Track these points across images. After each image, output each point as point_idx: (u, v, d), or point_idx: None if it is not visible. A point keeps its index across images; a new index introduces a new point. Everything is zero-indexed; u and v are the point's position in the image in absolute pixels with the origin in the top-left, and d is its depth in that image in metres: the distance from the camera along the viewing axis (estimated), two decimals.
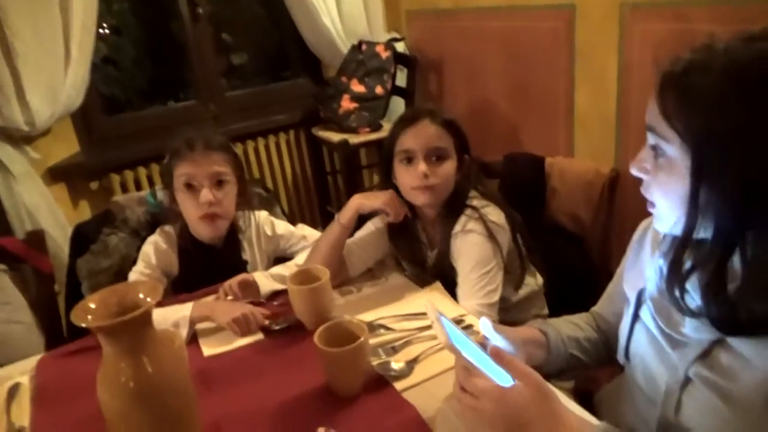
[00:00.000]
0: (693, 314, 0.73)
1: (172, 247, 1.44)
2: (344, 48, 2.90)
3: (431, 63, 2.88)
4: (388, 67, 2.79)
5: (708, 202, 0.68)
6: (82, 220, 1.68)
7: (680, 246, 0.73)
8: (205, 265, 1.42)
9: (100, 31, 2.66)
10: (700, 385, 0.73)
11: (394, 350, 1.07)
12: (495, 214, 1.29)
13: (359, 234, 1.38)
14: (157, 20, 2.88)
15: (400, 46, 2.90)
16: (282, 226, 1.56)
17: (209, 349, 1.16)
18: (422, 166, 1.26)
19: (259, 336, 1.19)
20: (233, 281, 1.30)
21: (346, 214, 1.34)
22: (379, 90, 2.79)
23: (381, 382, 0.99)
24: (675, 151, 0.70)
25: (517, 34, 2.33)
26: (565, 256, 1.56)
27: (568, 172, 1.60)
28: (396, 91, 2.83)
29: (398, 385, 0.98)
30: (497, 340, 0.92)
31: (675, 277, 0.74)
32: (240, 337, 1.19)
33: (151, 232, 1.47)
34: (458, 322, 1.15)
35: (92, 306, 0.77)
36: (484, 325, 0.92)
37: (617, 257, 1.03)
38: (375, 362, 1.02)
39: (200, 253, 1.44)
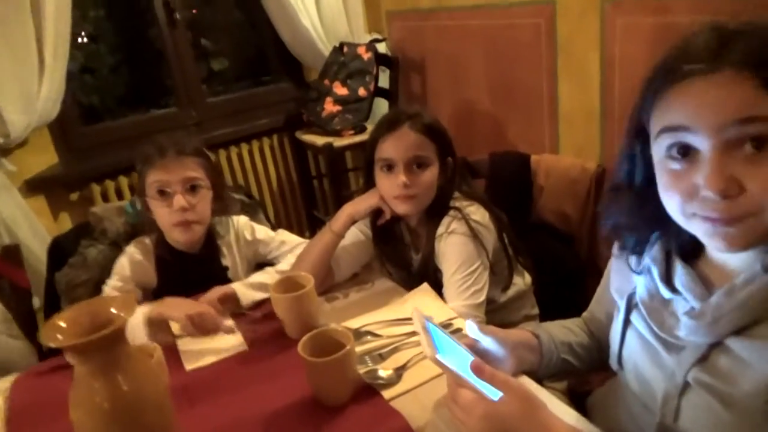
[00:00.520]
0: None
1: (148, 257, 1.41)
2: (325, 50, 2.88)
3: (414, 63, 2.86)
4: (370, 68, 2.76)
5: None
6: (63, 232, 1.63)
7: None
8: (184, 273, 1.38)
9: (79, 40, 2.62)
10: (699, 391, 0.71)
11: (382, 357, 1.04)
12: (479, 214, 1.27)
13: (345, 240, 1.36)
14: (134, 27, 2.83)
15: (381, 47, 2.87)
16: (262, 231, 1.52)
17: (191, 362, 1.12)
18: (402, 177, 1.23)
19: (243, 347, 1.16)
20: (212, 295, 1.26)
21: (338, 223, 1.31)
22: (362, 92, 2.76)
23: (369, 390, 0.97)
24: None
25: (498, 32, 2.32)
26: (554, 254, 1.54)
27: (554, 169, 1.58)
28: (379, 92, 2.81)
29: (386, 394, 0.95)
30: (485, 342, 0.91)
31: None
32: (195, 336, 1.17)
33: None
34: (447, 326, 1.13)
35: (62, 324, 0.74)
36: (470, 328, 0.90)
37: (606, 254, 1.02)
38: (362, 371, 1.00)
39: (178, 262, 1.40)
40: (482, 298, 1.23)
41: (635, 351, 0.83)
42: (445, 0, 2.55)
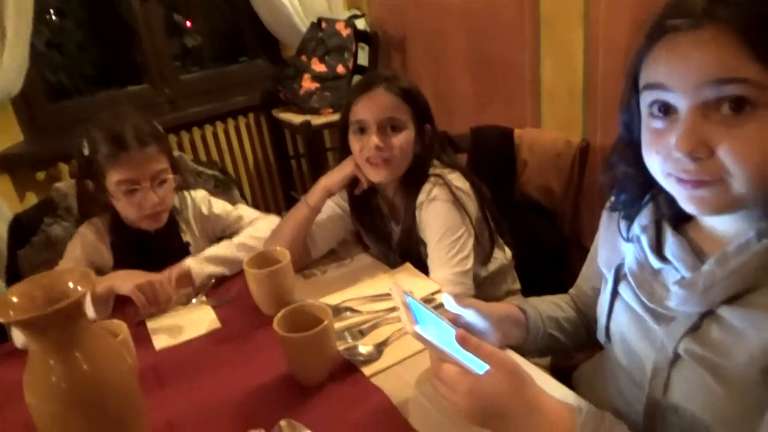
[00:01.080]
0: None
1: (102, 238, 1.33)
2: (303, 26, 2.80)
3: (393, 40, 2.80)
4: (349, 45, 2.70)
5: None
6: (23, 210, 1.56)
7: None
8: (142, 253, 1.32)
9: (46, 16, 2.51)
10: (690, 362, 0.68)
11: (362, 333, 1.01)
12: (460, 181, 1.23)
13: (320, 214, 1.31)
14: (103, 1, 2.72)
15: (360, 23, 2.80)
16: (219, 206, 1.46)
17: (161, 341, 1.07)
18: (374, 139, 1.19)
19: (216, 325, 1.11)
20: (170, 275, 1.20)
21: (313, 196, 1.27)
22: (340, 69, 2.70)
23: (348, 367, 0.93)
24: None
25: (480, 7, 2.27)
26: (536, 229, 1.52)
27: (537, 143, 1.55)
28: (358, 70, 2.74)
29: (367, 370, 0.92)
30: (468, 315, 0.88)
31: None
32: (147, 308, 1.13)
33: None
34: (429, 301, 1.09)
35: (14, 299, 0.68)
36: (447, 301, 0.86)
37: (588, 229, 0.99)
38: (341, 347, 0.96)
39: (135, 241, 1.34)
40: (469, 265, 1.19)
41: (623, 323, 0.81)
42: None
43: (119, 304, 1.19)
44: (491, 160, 1.59)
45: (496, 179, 1.50)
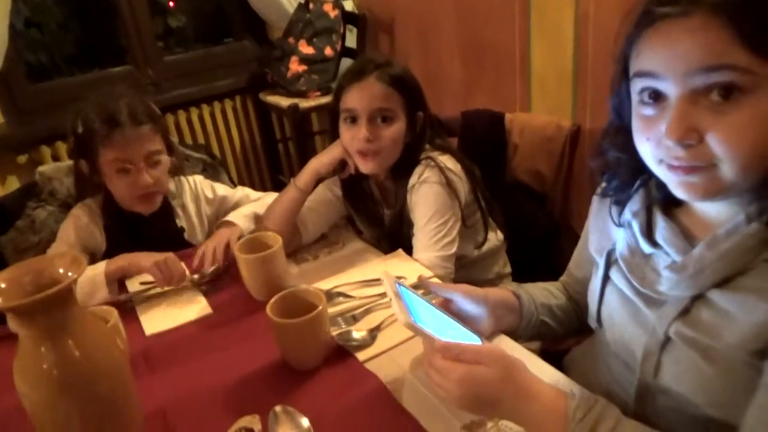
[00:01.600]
0: None
1: (96, 221, 1.32)
2: (290, 7, 2.75)
3: (382, 21, 2.77)
4: (337, 26, 2.67)
5: None
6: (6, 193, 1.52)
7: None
8: (136, 236, 1.30)
9: None
10: (681, 345, 0.69)
11: (355, 319, 1.00)
12: (451, 162, 1.23)
13: (311, 198, 1.30)
14: None
15: (348, 5, 2.77)
16: (222, 188, 1.47)
17: (151, 327, 1.06)
18: (364, 131, 1.17)
19: (207, 311, 1.10)
20: (219, 243, 1.20)
21: (303, 178, 1.26)
22: (328, 51, 2.67)
23: (342, 353, 0.93)
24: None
25: None
26: (527, 213, 1.52)
27: (528, 127, 1.54)
28: (346, 52, 2.71)
29: (360, 356, 0.92)
30: (457, 299, 0.90)
31: None
32: (163, 285, 1.13)
33: None
34: (419, 287, 1.09)
35: (2, 285, 0.66)
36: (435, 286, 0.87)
37: (578, 213, 0.99)
38: (334, 332, 0.95)
39: (129, 225, 1.32)
40: (453, 250, 1.19)
41: (615, 308, 0.82)
42: None
43: None
44: (482, 143, 1.58)
45: (486, 163, 1.49)
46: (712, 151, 0.61)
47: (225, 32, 3.06)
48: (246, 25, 2.96)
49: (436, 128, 1.30)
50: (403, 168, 1.24)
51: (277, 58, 2.71)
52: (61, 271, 0.68)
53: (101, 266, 1.13)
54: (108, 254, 1.29)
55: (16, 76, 2.33)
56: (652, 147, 0.67)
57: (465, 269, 1.25)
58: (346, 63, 2.73)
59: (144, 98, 1.32)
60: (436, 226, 1.18)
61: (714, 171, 0.63)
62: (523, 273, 1.37)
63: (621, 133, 0.76)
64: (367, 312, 1.02)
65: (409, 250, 1.23)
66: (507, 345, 0.91)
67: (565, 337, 1.06)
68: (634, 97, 0.69)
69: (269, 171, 3.07)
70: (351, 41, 2.74)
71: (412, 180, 1.22)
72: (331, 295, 1.06)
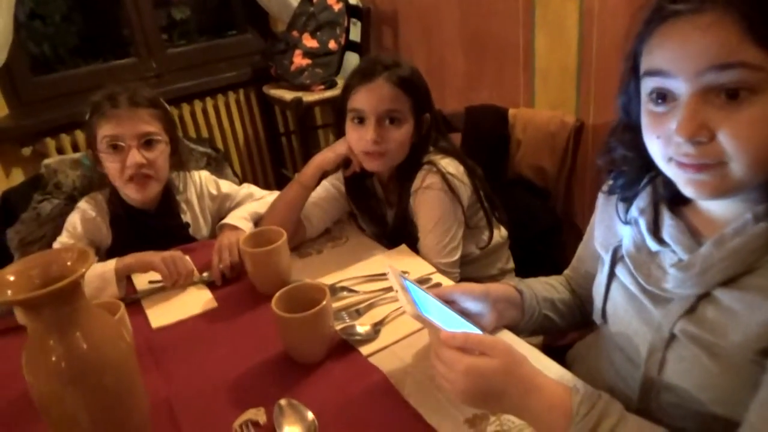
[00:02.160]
0: None
1: (102, 214, 1.33)
2: (294, 0, 2.74)
3: (385, 15, 2.76)
4: (341, 20, 2.66)
5: None
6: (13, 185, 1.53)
7: None
8: (141, 231, 1.31)
9: None
10: (686, 343, 0.70)
11: (359, 313, 1.01)
12: (453, 166, 1.22)
13: (316, 193, 1.31)
14: None
15: None
16: (226, 185, 1.47)
17: (157, 320, 1.07)
18: (371, 132, 1.17)
19: (212, 305, 1.11)
20: (230, 245, 1.19)
21: (306, 173, 1.26)
22: (332, 45, 2.66)
23: (345, 347, 0.94)
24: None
25: None
26: (529, 208, 1.52)
27: (531, 123, 1.54)
28: (350, 46, 2.71)
29: (364, 350, 0.92)
30: (460, 299, 0.91)
31: None
32: (170, 282, 1.14)
33: None
34: (424, 281, 1.10)
35: (10, 278, 0.67)
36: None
37: (581, 209, 0.99)
38: (338, 327, 0.96)
39: (134, 219, 1.33)
40: (457, 255, 1.21)
41: (620, 304, 0.82)
42: None
43: None
44: (485, 139, 1.58)
45: (489, 159, 1.50)
46: (723, 149, 0.62)
47: (229, 25, 3.05)
48: (250, 18, 2.95)
49: (441, 128, 1.30)
50: (407, 168, 1.24)
51: (280, 52, 2.71)
52: (69, 264, 0.69)
53: (111, 263, 1.14)
54: (113, 248, 1.31)
55: (19, 68, 2.34)
56: (662, 144, 0.68)
57: (468, 266, 1.26)
58: (349, 56, 2.73)
59: (153, 91, 1.33)
60: (441, 233, 1.19)
61: (724, 169, 0.63)
62: (525, 268, 1.37)
63: (629, 130, 0.76)
64: (371, 306, 1.03)
65: (412, 248, 1.24)
66: (510, 340, 0.92)
67: (568, 331, 1.06)
68: (644, 95, 0.69)
69: (272, 164, 3.07)
70: (355, 35, 2.73)
71: (415, 184, 1.22)
72: (335, 290, 1.07)
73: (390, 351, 0.92)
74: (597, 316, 0.87)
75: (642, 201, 0.79)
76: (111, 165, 1.25)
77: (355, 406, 0.82)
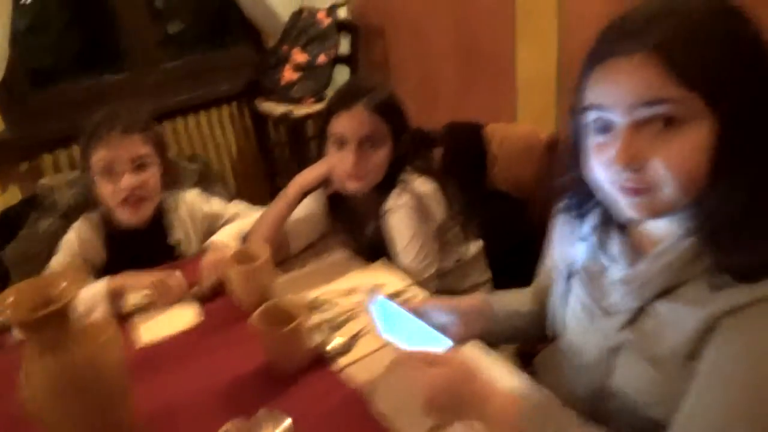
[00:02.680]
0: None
1: (97, 233, 1.38)
2: (284, 15, 2.80)
3: (375, 29, 2.81)
4: (331, 34, 2.71)
5: (748, 150, 0.66)
6: (11, 204, 1.58)
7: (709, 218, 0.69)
8: (133, 250, 1.36)
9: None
10: (629, 351, 0.76)
11: (337, 327, 1.07)
12: (425, 185, 1.28)
13: (299, 211, 1.36)
14: None
15: (342, 12, 2.82)
16: (216, 204, 1.51)
17: (147, 335, 1.13)
18: (352, 157, 1.22)
19: (200, 319, 1.16)
20: (216, 261, 1.24)
21: (288, 192, 1.32)
22: (322, 59, 2.71)
23: (323, 359, 0.99)
24: (693, 108, 0.66)
25: None
26: (506, 220, 1.57)
27: (507, 138, 1.60)
28: (340, 59, 2.77)
29: (341, 361, 0.98)
30: (431, 313, 0.96)
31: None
32: (162, 303, 1.18)
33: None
34: (399, 294, 1.16)
35: (9, 299, 0.73)
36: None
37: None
38: (317, 339, 1.02)
39: (126, 239, 1.38)
40: (433, 269, 1.26)
41: (575, 315, 0.89)
42: None
43: None
44: (463, 154, 1.64)
45: (468, 173, 1.55)
46: (656, 174, 0.68)
47: (222, 39, 3.10)
48: (242, 32, 3.00)
49: (418, 146, 1.35)
50: (383, 187, 1.29)
51: (271, 66, 2.76)
52: (63, 285, 0.75)
53: (103, 283, 1.18)
54: (108, 266, 1.36)
55: (17, 81, 2.36)
56: (603, 171, 0.74)
57: (444, 279, 1.31)
58: (339, 70, 2.78)
59: (144, 110, 1.39)
60: (415, 251, 1.24)
61: (658, 192, 0.69)
62: (502, 279, 1.43)
63: (579, 154, 0.83)
64: (348, 320, 1.09)
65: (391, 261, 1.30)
66: (479, 350, 0.98)
67: (537, 340, 1.12)
68: (588, 126, 0.76)
69: (266, 176, 3.11)
70: (345, 48, 2.78)
71: (388, 204, 1.27)
72: (315, 304, 1.13)
73: (363, 363, 0.98)
74: (552, 326, 0.94)
75: (594, 219, 0.86)
76: (105, 188, 1.31)
77: (331, 416, 0.88)
